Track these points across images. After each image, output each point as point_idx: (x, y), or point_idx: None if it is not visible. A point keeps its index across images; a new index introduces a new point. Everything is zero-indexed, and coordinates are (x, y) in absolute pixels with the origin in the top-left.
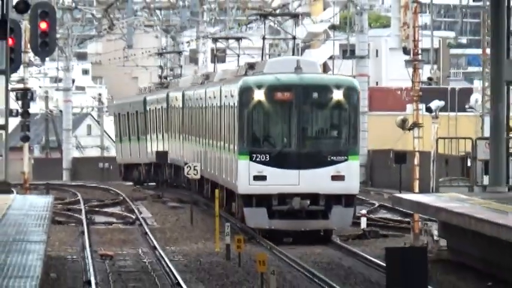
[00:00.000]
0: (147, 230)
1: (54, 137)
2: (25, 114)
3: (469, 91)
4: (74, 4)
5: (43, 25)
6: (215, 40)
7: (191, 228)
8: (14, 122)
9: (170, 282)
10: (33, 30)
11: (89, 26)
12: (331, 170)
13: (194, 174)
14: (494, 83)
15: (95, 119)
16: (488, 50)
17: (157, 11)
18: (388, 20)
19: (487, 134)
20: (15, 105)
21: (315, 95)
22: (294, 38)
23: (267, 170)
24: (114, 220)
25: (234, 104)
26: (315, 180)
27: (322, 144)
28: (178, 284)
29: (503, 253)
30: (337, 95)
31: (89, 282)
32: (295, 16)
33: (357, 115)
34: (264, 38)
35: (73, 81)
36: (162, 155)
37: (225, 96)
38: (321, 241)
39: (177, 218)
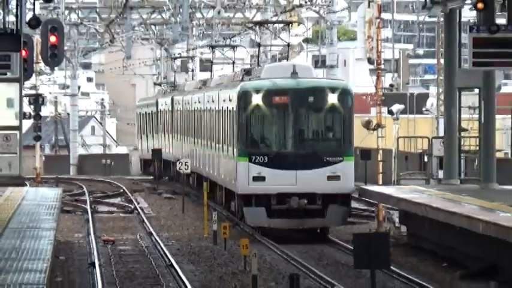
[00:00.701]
0: (144, 218)
1: (63, 136)
2: (37, 116)
3: (426, 96)
4: (79, 20)
5: (52, 39)
6: (212, 48)
7: (183, 216)
8: (27, 124)
9: (164, 264)
10: (44, 43)
11: (93, 39)
12: (327, 170)
13: (185, 169)
14: (448, 89)
15: (98, 120)
16: (442, 60)
17: (153, 26)
18: (355, 34)
19: (441, 133)
20: (28, 109)
21: (311, 98)
22: (288, 44)
23: (265, 171)
24: (115, 209)
25: (233, 108)
26: (311, 180)
27: (319, 146)
28: (172, 265)
29: (456, 237)
30: (332, 98)
31: (93, 264)
32: (288, 24)
33: (351, 117)
34: (259, 45)
35: (79, 87)
36: (157, 152)
37: (224, 100)
38: (299, 230)
39: (171, 207)
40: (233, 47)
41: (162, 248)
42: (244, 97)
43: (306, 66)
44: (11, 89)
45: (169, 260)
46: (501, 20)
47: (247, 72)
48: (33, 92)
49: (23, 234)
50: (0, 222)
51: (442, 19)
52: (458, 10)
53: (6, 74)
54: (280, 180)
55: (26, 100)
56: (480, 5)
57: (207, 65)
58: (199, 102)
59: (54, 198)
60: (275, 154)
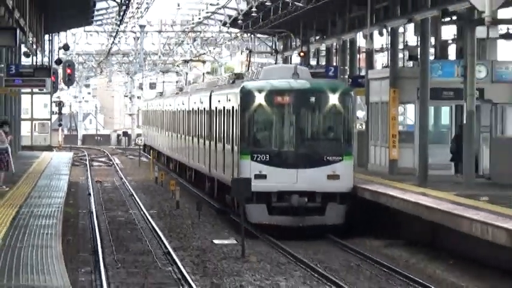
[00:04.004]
0: (118, 169)
1: (74, 124)
2: (60, 113)
3: None
4: (83, 60)
5: (68, 71)
6: (163, 72)
7: (139, 168)
8: (54, 117)
9: (128, 194)
10: (63, 72)
11: (91, 71)
12: (327, 169)
13: (140, 141)
14: None
15: (93, 115)
16: None
17: (123, 64)
18: (234, 69)
19: None
20: (55, 108)
21: (312, 99)
22: (276, 52)
23: (267, 169)
24: (102, 164)
25: (233, 107)
26: (312, 179)
27: (319, 145)
28: (132, 194)
29: None
30: (333, 99)
31: (89, 194)
32: (201, 62)
33: (351, 118)
34: (250, 51)
35: (83, 97)
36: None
37: (218, 101)
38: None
39: (132, 163)
40: (203, 62)
41: (127, 185)
42: (246, 97)
43: (305, 69)
44: (46, 98)
45: (130, 191)
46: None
47: (238, 76)
48: (57, 99)
49: (51, 177)
50: (39, 171)
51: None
52: (290, 56)
53: (43, 90)
54: (281, 179)
55: (53, 104)
56: (302, 54)
57: (152, 85)
58: (183, 103)
59: (68, 158)
60: (276, 153)
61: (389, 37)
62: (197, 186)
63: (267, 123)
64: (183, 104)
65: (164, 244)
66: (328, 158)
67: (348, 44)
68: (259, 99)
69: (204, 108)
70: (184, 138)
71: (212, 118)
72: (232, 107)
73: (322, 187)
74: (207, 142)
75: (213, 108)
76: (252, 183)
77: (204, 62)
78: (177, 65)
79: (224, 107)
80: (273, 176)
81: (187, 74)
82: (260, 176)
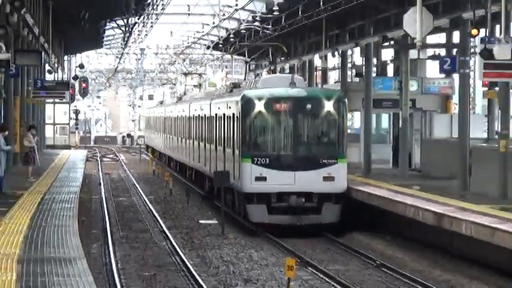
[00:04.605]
0: (123, 163)
1: (88, 127)
2: (76, 119)
3: None
4: (95, 76)
5: (83, 85)
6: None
7: (140, 163)
8: (72, 122)
9: (132, 183)
10: (79, 86)
11: (101, 85)
12: (323, 171)
13: (141, 141)
14: None
15: (103, 121)
16: None
17: (127, 80)
18: (215, 84)
19: None
20: (72, 115)
21: (309, 106)
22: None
23: (267, 172)
24: (110, 159)
25: (233, 114)
26: (309, 180)
27: (315, 149)
28: (134, 184)
29: None
30: (328, 106)
31: (100, 184)
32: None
33: (345, 123)
34: (246, 62)
35: (95, 106)
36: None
37: (219, 108)
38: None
39: (135, 159)
40: (200, 75)
41: (130, 177)
42: (247, 104)
43: (300, 78)
44: (65, 107)
45: (133, 181)
46: None
47: (236, 86)
48: (74, 108)
49: (70, 170)
50: (59, 165)
51: None
52: (261, 73)
53: (63, 100)
54: (280, 180)
55: (71, 111)
56: (270, 72)
57: (150, 96)
58: (186, 110)
59: (83, 155)
60: (276, 156)
61: (340, 58)
62: (196, 183)
63: (267, 129)
64: (183, 111)
65: (160, 224)
66: (323, 160)
67: (307, 64)
68: (259, 106)
69: (205, 115)
70: (185, 141)
71: (212, 124)
72: (233, 114)
73: (319, 188)
74: (207, 145)
75: (213, 114)
76: (252, 185)
77: (200, 75)
78: (171, 80)
79: (224, 114)
80: (273, 178)
81: (186, 85)
82: (260, 178)
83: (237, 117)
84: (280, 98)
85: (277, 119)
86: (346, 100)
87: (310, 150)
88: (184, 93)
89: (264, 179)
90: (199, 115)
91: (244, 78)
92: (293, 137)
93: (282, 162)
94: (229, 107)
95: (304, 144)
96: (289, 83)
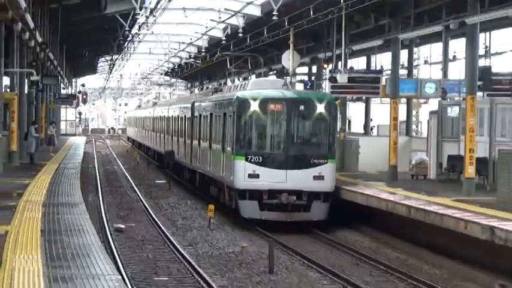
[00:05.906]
0: (108, 146)
1: (87, 123)
2: (79, 117)
3: None
4: (91, 91)
5: (84, 96)
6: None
7: (119, 146)
8: (77, 119)
9: (113, 158)
10: (82, 97)
11: (96, 97)
12: (313, 171)
13: (120, 132)
14: None
15: (96, 119)
16: None
17: (112, 93)
18: None
19: None
20: (77, 115)
21: (301, 107)
22: (250, 70)
23: (259, 170)
24: (101, 143)
25: (225, 113)
26: (299, 179)
27: (307, 149)
28: (115, 158)
29: None
30: (320, 108)
31: (94, 157)
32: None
33: (335, 124)
34: (227, 71)
35: (91, 110)
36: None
37: (204, 109)
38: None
39: (116, 143)
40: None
41: (113, 154)
42: (242, 104)
43: (293, 82)
44: (73, 110)
45: (114, 157)
46: None
47: (216, 90)
48: (78, 111)
49: (75, 149)
50: (69, 146)
51: None
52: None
53: (71, 105)
54: (272, 178)
55: (76, 113)
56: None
57: (126, 104)
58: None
59: (84, 140)
60: (268, 155)
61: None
62: (177, 174)
63: (260, 128)
64: (162, 112)
65: (131, 182)
66: (314, 160)
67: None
68: (254, 106)
69: (185, 116)
70: (163, 136)
71: (194, 123)
72: (224, 113)
73: (309, 186)
74: (187, 141)
75: (196, 114)
76: (245, 182)
77: (171, 85)
78: (139, 94)
79: (212, 114)
80: (265, 176)
81: (159, 94)
82: (253, 176)
83: (229, 116)
84: (274, 99)
85: (271, 119)
86: (336, 103)
87: (302, 150)
88: (159, 99)
89: (257, 176)
90: (178, 116)
91: (233, 82)
92: (285, 136)
93: (275, 161)
94: (219, 107)
95: (296, 144)
96: (282, 85)
